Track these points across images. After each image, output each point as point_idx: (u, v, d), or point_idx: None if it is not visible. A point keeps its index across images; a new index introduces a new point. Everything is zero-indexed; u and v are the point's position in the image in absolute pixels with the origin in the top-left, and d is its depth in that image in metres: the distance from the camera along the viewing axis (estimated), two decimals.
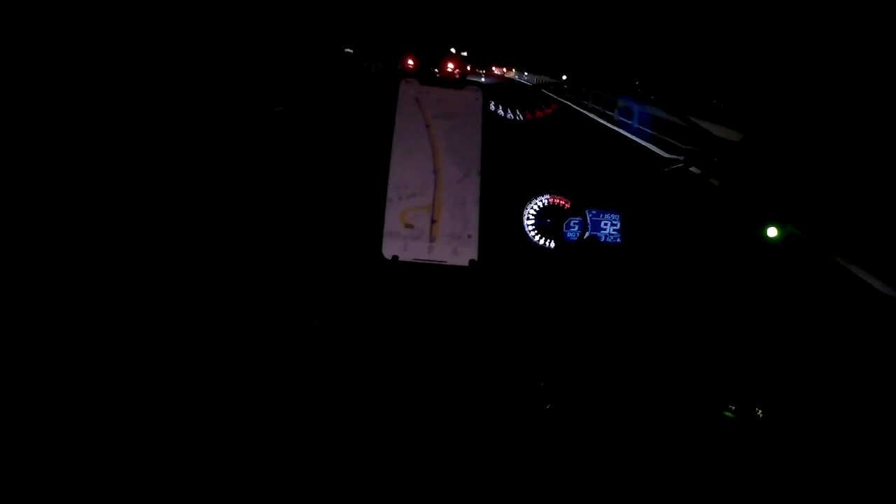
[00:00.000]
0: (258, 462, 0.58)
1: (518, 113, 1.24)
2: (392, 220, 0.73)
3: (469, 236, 0.74)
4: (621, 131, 7.55)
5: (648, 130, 7.30)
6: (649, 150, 5.67)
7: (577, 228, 1.09)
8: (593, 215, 1.10)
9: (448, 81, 0.78)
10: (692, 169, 1.16)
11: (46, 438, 0.65)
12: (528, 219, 1.09)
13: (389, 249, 0.74)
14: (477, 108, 0.78)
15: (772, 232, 0.93)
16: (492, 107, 1.18)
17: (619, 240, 1.10)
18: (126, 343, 0.98)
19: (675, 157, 1.29)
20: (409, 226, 0.71)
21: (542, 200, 1.09)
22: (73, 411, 0.71)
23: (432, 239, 0.72)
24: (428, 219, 0.73)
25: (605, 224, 1.10)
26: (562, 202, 1.10)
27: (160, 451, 0.61)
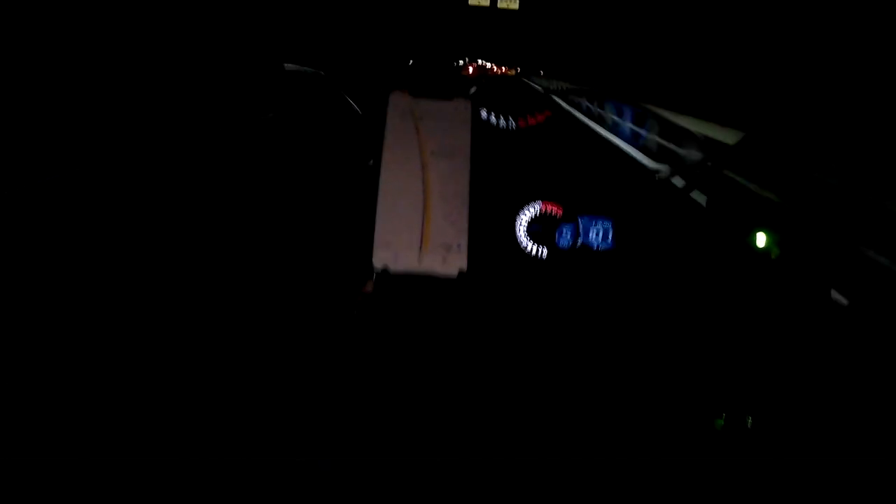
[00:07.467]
0: (256, 463, 0.59)
1: (511, 120, 1.24)
2: (381, 236, 0.73)
3: (458, 246, 0.74)
4: (610, 136, 7.45)
5: (640, 133, 7.22)
6: (635, 156, 5.59)
7: (569, 235, 1.10)
8: (585, 222, 1.10)
9: (437, 93, 0.78)
10: (674, 181, 1.16)
11: (46, 438, 0.65)
12: (520, 226, 1.09)
13: (380, 260, 0.74)
14: (466, 118, 0.78)
15: (760, 239, 0.94)
16: (483, 115, 1.19)
17: (611, 246, 1.10)
18: (126, 345, 0.98)
19: (658, 167, 1.30)
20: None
21: (534, 208, 1.10)
22: (72, 411, 0.71)
23: (422, 249, 0.73)
24: (418, 232, 0.73)
25: (598, 231, 1.10)
26: (554, 209, 1.11)
27: (160, 451, 0.62)
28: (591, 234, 1.10)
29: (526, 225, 1.09)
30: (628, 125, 8.30)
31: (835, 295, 1.00)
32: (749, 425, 0.75)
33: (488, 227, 1.10)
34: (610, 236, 1.10)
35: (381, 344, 0.77)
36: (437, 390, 0.79)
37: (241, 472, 0.58)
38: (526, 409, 0.82)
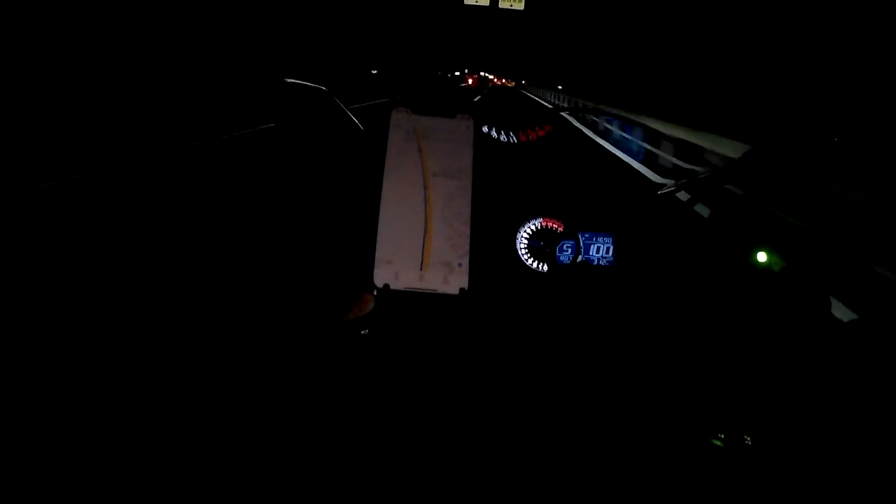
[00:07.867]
0: (256, 463, 0.59)
1: (511, 135, 1.25)
2: (382, 253, 0.74)
3: (460, 265, 0.75)
4: (615, 150, 7.51)
5: (644, 148, 7.31)
6: (641, 171, 5.71)
7: (569, 251, 1.10)
8: (586, 238, 1.10)
9: (440, 110, 0.79)
10: (679, 195, 1.17)
11: (46, 438, 0.65)
12: (520, 242, 1.09)
13: (380, 278, 0.75)
14: (469, 137, 0.79)
15: (761, 257, 0.94)
16: (485, 129, 1.19)
17: (612, 262, 1.10)
18: (126, 344, 0.98)
19: (664, 181, 1.30)
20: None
21: (534, 223, 1.10)
22: (73, 411, 0.71)
23: (423, 268, 0.73)
24: (419, 250, 0.74)
25: (598, 247, 1.11)
26: (554, 225, 1.11)
27: (160, 450, 0.62)
28: (591, 250, 1.10)
29: (526, 241, 1.10)
30: (631, 139, 8.36)
31: (842, 310, 0.99)
32: (749, 443, 0.74)
33: (489, 243, 1.10)
34: (611, 252, 1.10)
35: (382, 354, 0.77)
36: (438, 397, 0.79)
37: (242, 472, 0.59)
38: (526, 418, 0.82)
